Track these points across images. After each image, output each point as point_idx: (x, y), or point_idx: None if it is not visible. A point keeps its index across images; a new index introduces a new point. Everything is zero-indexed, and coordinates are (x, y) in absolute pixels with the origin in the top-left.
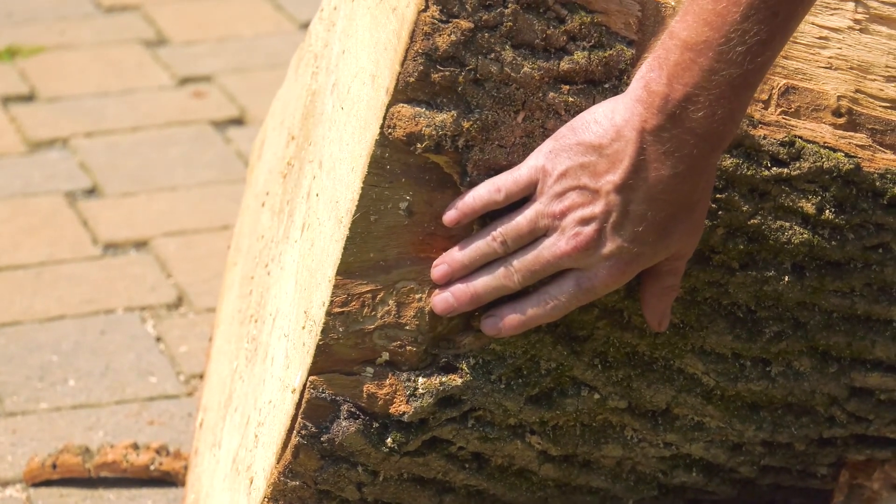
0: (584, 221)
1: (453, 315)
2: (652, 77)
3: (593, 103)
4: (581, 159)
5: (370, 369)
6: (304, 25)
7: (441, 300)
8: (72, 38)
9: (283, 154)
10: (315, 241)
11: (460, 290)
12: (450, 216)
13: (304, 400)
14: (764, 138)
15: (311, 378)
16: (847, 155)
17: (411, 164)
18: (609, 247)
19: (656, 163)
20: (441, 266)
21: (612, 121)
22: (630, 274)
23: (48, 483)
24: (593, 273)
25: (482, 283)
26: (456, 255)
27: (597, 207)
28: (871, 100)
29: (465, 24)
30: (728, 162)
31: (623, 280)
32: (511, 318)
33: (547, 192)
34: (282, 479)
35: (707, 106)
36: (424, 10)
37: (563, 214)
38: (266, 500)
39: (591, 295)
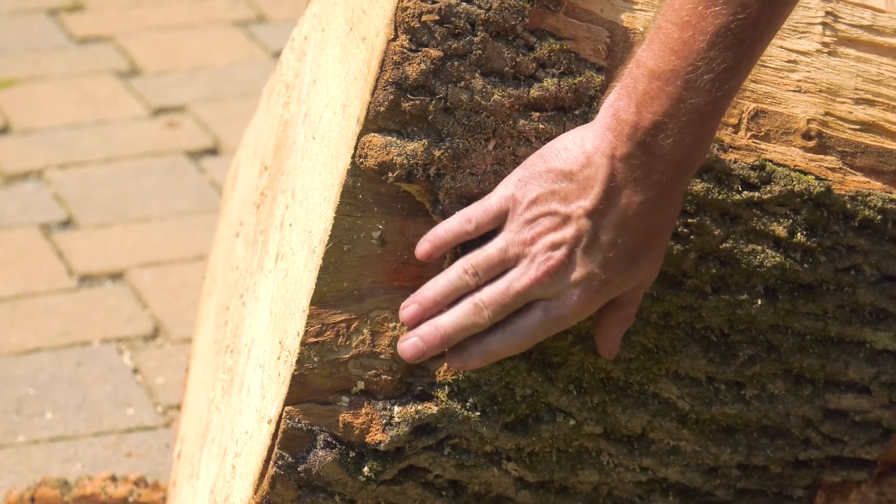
0: (555, 246)
1: (424, 360)
2: (620, 106)
3: (564, 130)
4: (552, 186)
5: (346, 398)
6: (277, 54)
7: (410, 346)
8: (45, 69)
9: (257, 184)
10: (289, 271)
11: (429, 332)
12: (422, 249)
13: (280, 430)
14: (734, 162)
15: (287, 408)
16: (818, 178)
17: (383, 193)
18: (579, 272)
19: (627, 189)
20: (411, 306)
21: (581, 148)
22: (599, 302)
23: None
24: (561, 301)
25: (451, 322)
26: (426, 293)
27: (567, 232)
28: (841, 122)
29: (435, 52)
30: (699, 186)
31: (591, 308)
32: (478, 352)
33: (517, 220)
34: None
35: (676, 133)
36: (394, 40)
37: (533, 241)
38: None
39: (559, 324)
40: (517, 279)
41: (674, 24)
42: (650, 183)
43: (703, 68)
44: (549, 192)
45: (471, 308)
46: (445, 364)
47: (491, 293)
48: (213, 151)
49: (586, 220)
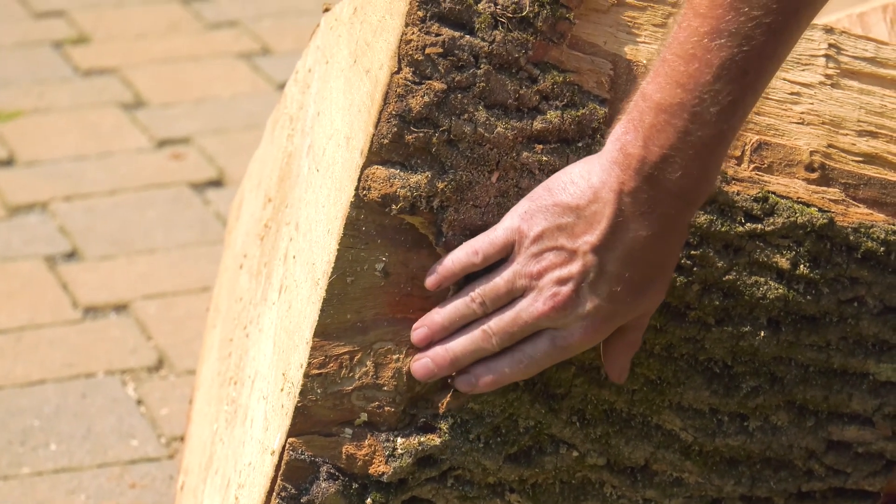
0: (562, 281)
1: (433, 380)
2: (628, 139)
3: (567, 162)
4: (558, 220)
5: (349, 430)
6: (281, 86)
7: (421, 366)
8: (50, 101)
9: (261, 216)
10: (292, 303)
11: (439, 354)
12: (431, 280)
13: (283, 462)
14: (737, 194)
15: (290, 440)
16: (820, 209)
17: (387, 225)
18: (587, 306)
19: (634, 223)
20: (421, 329)
21: (588, 181)
22: (605, 332)
23: None
24: (569, 332)
25: (461, 346)
26: (435, 318)
27: (574, 267)
28: (844, 154)
29: (438, 85)
30: (702, 218)
31: (598, 339)
32: (486, 377)
33: (524, 253)
34: None
35: (683, 166)
36: (397, 72)
37: (540, 275)
38: None
39: (566, 353)
40: (524, 310)
41: (679, 56)
42: (657, 216)
43: (710, 101)
44: (556, 226)
45: (480, 335)
46: (449, 396)
47: (499, 322)
48: (217, 183)
49: (592, 256)
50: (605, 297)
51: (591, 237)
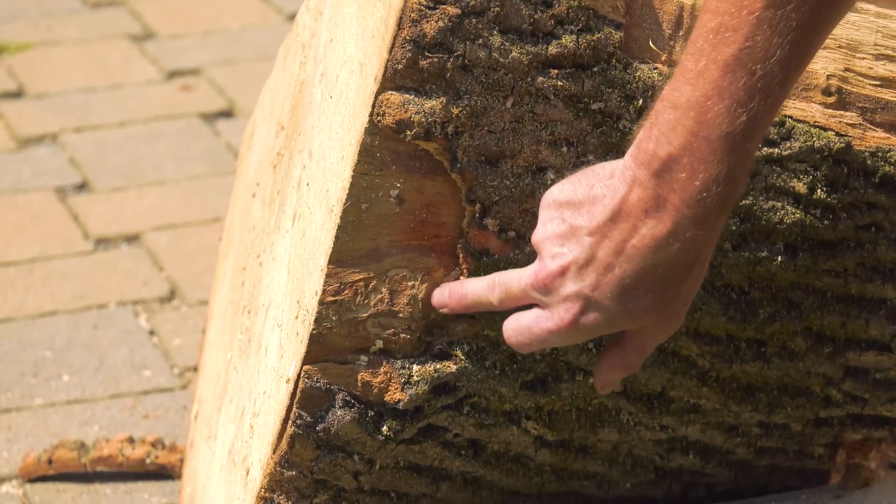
0: (554, 256)
1: (441, 310)
2: (643, 136)
3: (582, 87)
4: (572, 196)
5: (364, 358)
6: (291, 17)
7: (438, 292)
8: (58, 34)
9: (273, 144)
10: (306, 231)
11: (455, 289)
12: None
13: (298, 390)
14: None
15: (306, 367)
16: (838, 134)
17: (401, 151)
18: (570, 288)
19: (634, 217)
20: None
21: (612, 166)
22: (581, 327)
23: (44, 479)
24: (548, 315)
25: (472, 288)
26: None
27: (568, 246)
28: (861, 78)
29: (453, 9)
30: None
31: (575, 332)
32: (512, 328)
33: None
34: (278, 469)
35: (689, 169)
36: None
37: (540, 243)
38: (263, 490)
39: (540, 339)
40: (518, 275)
41: (689, 53)
42: (660, 218)
43: (716, 99)
44: (567, 201)
45: (489, 282)
46: (465, 323)
47: (503, 277)
48: (227, 114)
49: (588, 238)
50: (588, 285)
51: (592, 218)
